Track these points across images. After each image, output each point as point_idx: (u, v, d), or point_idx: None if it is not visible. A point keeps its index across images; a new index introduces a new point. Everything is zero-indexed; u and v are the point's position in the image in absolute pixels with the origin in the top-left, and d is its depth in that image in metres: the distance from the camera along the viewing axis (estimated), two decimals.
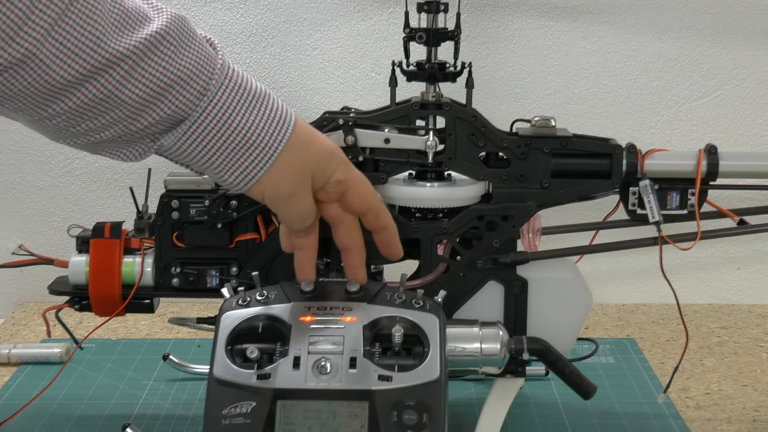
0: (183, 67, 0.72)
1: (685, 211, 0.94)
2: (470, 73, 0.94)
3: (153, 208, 0.97)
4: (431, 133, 0.92)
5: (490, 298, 0.94)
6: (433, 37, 0.94)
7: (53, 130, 0.72)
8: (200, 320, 1.00)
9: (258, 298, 0.85)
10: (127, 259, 0.96)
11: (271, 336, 0.83)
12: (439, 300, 0.87)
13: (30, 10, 0.63)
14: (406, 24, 0.94)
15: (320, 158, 0.80)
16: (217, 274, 0.96)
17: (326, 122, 0.92)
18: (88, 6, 0.66)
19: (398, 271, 0.92)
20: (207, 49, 0.74)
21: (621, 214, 0.96)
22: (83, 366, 1.20)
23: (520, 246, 0.95)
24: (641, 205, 0.93)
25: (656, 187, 0.93)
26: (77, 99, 0.68)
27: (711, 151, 0.93)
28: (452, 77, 0.94)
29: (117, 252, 0.96)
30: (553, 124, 0.93)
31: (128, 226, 0.98)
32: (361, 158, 0.92)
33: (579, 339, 0.97)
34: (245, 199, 0.94)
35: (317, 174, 0.80)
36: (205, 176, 0.94)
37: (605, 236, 0.98)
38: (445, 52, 0.95)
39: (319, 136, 0.81)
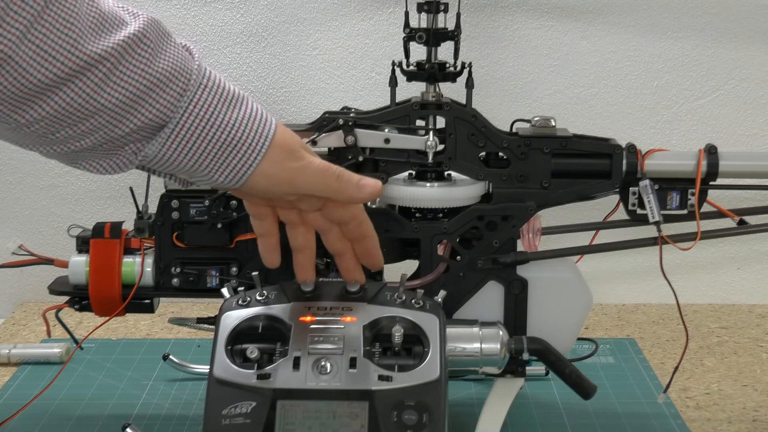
0: (161, 69, 0.71)
1: (685, 211, 0.94)
2: (470, 73, 0.94)
3: (153, 208, 0.97)
4: (431, 133, 0.92)
5: (490, 298, 0.94)
6: (433, 37, 0.94)
7: (32, 138, 0.71)
8: (200, 320, 1.00)
9: (258, 298, 0.85)
10: (127, 259, 0.96)
11: (271, 336, 0.83)
12: (439, 300, 0.87)
13: (4, 11, 0.62)
14: (406, 24, 0.94)
15: (304, 143, 0.81)
16: (217, 274, 0.96)
17: (326, 122, 0.92)
18: (64, 9, 0.65)
19: (398, 271, 0.92)
20: (183, 52, 0.74)
21: (621, 214, 0.96)
22: (83, 366, 1.20)
23: (520, 246, 0.95)
24: (641, 205, 0.93)
25: (656, 187, 0.93)
26: (55, 104, 0.68)
27: (711, 151, 0.93)
28: (452, 77, 0.94)
29: (117, 252, 0.96)
30: (553, 124, 0.93)
31: (128, 226, 0.98)
32: (361, 158, 0.92)
33: (579, 339, 0.98)
34: None
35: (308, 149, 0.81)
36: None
37: (605, 236, 0.98)
38: (445, 52, 0.95)
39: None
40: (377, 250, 0.86)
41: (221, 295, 0.88)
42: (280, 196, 0.80)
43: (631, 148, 0.93)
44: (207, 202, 0.94)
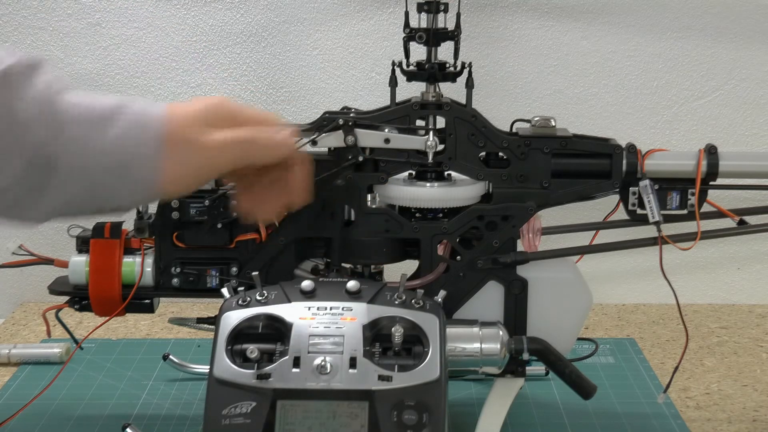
0: (25, 109, 0.68)
1: (685, 211, 0.94)
2: (470, 73, 0.94)
3: (153, 208, 0.97)
4: (431, 133, 0.92)
5: (490, 298, 0.94)
6: (433, 37, 0.94)
7: None
8: (200, 320, 1.00)
9: (258, 298, 0.85)
10: (127, 259, 0.96)
11: (271, 336, 0.83)
12: (439, 300, 0.87)
13: None
14: (406, 24, 0.94)
15: (206, 111, 0.75)
16: (217, 274, 0.96)
17: (326, 122, 0.92)
18: None
19: (398, 271, 0.92)
20: (46, 91, 0.70)
21: (621, 214, 0.96)
22: (83, 366, 1.20)
23: (520, 246, 0.95)
24: (641, 205, 0.93)
25: (656, 187, 0.93)
26: None
27: (711, 151, 0.93)
28: (452, 77, 0.94)
29: (117, 252, 0.96)
30: (553, 124, 0.93)
31: (128, 226, 0.98)
32: (361, 158, 0.92)
33: (579, 339, 0.97)
34: None
35: (215, 117, 0.75)
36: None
37: (605, 236, 0.98)
38: (445, 52, 0.95)
39: (192, 106, 0.75)
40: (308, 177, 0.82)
41: (221, 295, 0.88)
42: (203, 184, 0.77)
43: (631, 148, 0.93)
44: (207, 202, 0.94)
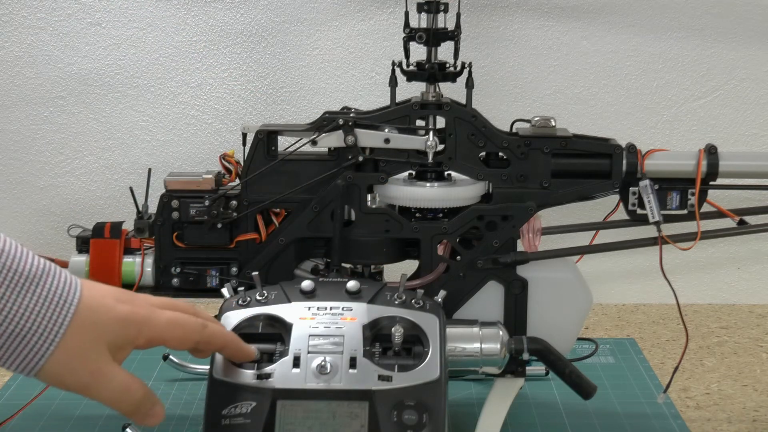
0: None
1: (685, 211, 0.94)
2: (470, 73, 0.94)
3: (153, 208, 0.97)
4: (431, 133, 0.92)
5: (490, 298, 0.94)
6: (433, 37, 0.94)
7: None
8: None
9: (258, 298, 0.85)
10: (127, 259, 0.96)
11: (271, 336, 0.83)
12: (439, 300, 0.87)
13: None
14: (406, 24, 0.94)
15: (113, 331, 0.71)
16: (217, 274, 0.96)
17: (326, 122, 0.92)
18: None
19: (398, 271, 0.92)
20: None
21: (621, 214, 0.96)
22: None
23: (520, 246, 0.95)
24: (641, 205, 0.93)
25: (656, 187, 0.93)
26: None
27: (711, 151, 0.93)
28: (452, 77, 0.94)
29: (117, 252, 0.96)
30: (553, 124, 0.93)
31: (128, 226, 0.98)
32: (361, 158, 0.92)
33: (579, 339, 0.98)
34: (245, 199, 0.94)
35: (115, 346, 0.71)
36: (206, 176, 0.94)
37: (605, 236, 0.98)
38: (445, 52, 0.95)
39: (108, 306, 0.71)
40: (241, 347, 0.80)
41: (221, 295, 0.88)
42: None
43: (631, 148, 0.93)
44: (207, 202, 0.94)
